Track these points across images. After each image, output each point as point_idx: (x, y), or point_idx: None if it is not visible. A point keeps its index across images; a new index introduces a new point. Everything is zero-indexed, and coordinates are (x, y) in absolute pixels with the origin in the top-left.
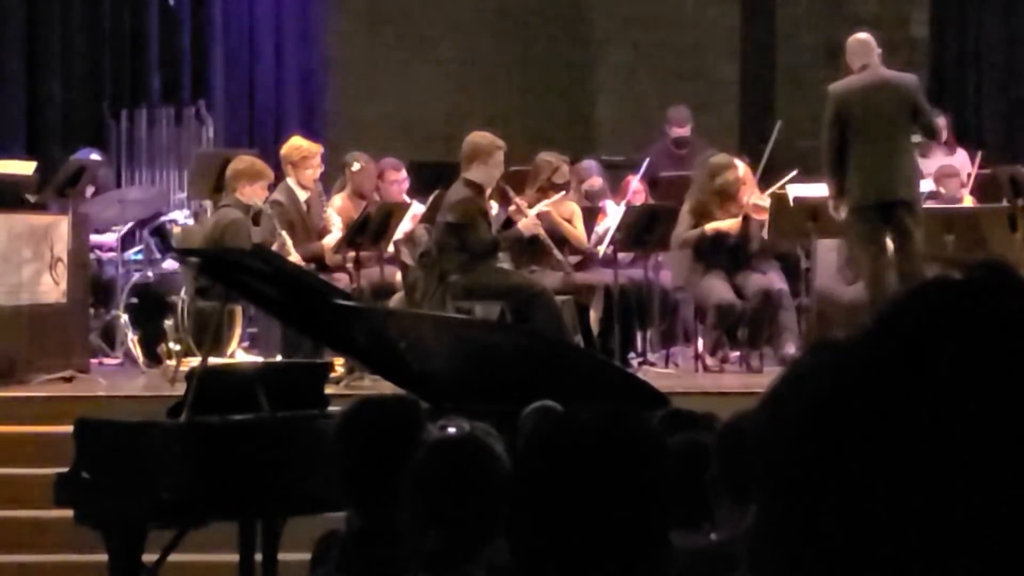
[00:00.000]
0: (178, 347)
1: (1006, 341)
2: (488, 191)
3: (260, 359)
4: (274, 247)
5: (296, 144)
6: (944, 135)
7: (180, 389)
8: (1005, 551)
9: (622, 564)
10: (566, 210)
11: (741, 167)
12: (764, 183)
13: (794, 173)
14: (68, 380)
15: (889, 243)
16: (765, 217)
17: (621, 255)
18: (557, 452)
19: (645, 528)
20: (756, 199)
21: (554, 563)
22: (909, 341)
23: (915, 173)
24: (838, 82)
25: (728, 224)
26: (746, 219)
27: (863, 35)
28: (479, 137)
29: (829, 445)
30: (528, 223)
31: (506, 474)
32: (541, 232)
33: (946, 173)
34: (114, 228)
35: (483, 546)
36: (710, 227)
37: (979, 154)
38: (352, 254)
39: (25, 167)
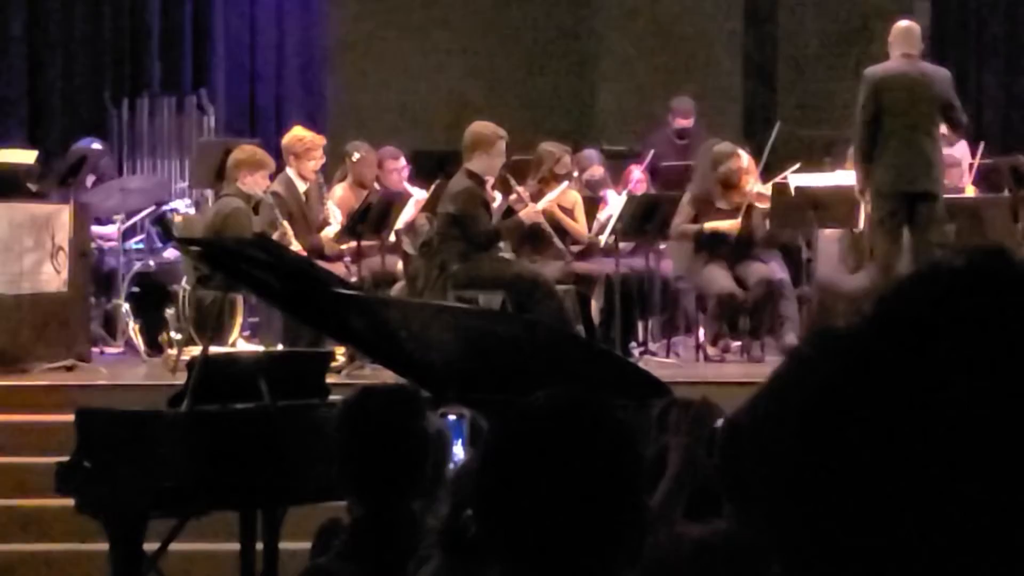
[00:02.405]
0: (179, 336)
1: (1005, 328)
2: (490, 181)
3: (261, 348)
4: (274, 237)
5: (299, 135)
6: (965, 129)
7: (181, 378)
8: (1007, 537)
9: (594, 547)
10: (568, 200)
11: (744, 157)
12: (766, 177)
13: (796, 167)
14: (69, 369)
15: (906, 232)
16: (767, 206)
17: (622, 245)
18: (515, 441)
19: (615, 510)
20: (758, 189)
21: (527, 552)
22: (908, 329)
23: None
24: (875, 66)
25: (727, 225)
26: (748, 208)
27: (908, 23)
28: (481, 127)
29: (830, 435)
30: (529, 211)
31: None
32: (542, 220)
33: (948, 164)
34: (115, 217)
35: None
36: (709, 226)
37: (981, 144)
38: (353, 244)
39: (26, 156)
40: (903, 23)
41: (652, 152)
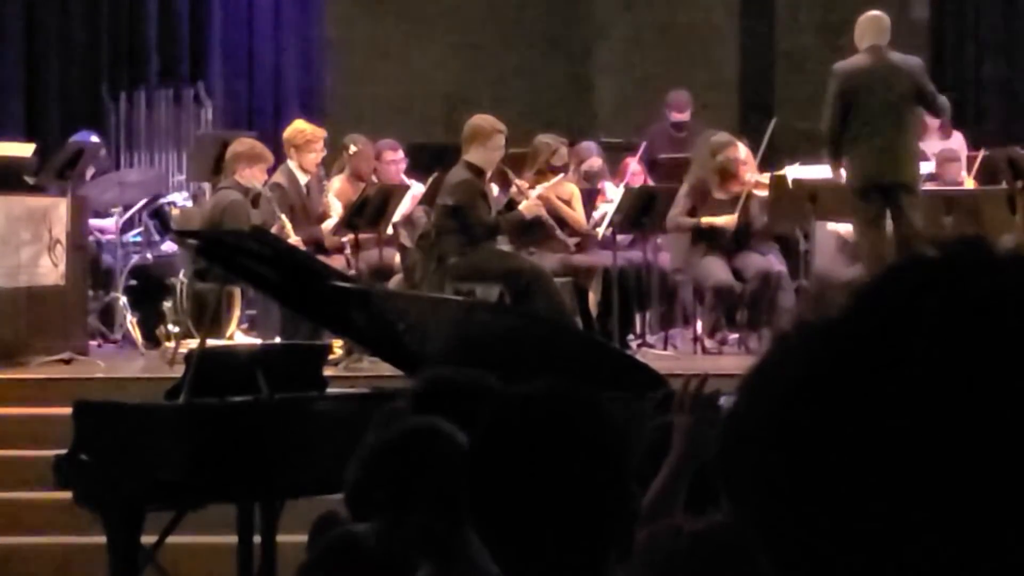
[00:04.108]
0: (177, 329)
1: (983, 318)
2: (488, 174)
3: (259, 341)
4: (273, 230)
5: (300, 128)
6: (948, 114)
7: (179, 371)
8: (988, 531)
9: (582, 540)
10: (565, 192)
11: (741, 148)
12: (764, 170)
13: (795, 166)
14: (67, 362)
15: (888, 224)
16: (766, 193)
17: (620, 237)
18: (496, 433)
19: (602, 502)
20: (756, 177)
21: (514, 544)
22: (885, 321)
23: (917, 155)
24: (843, 61)
25: (723, 220)
26: (747, 198)
27: (876, 13)
28: (480, 120)
29: (806, 428)
30: (531, 204)
31: None
32: (543, 213)
33: (947, 157)
34: (113, 210)
35: None
36: (705, 220)
37: (980, 151)
38: (351, 236)
39: (24, 149)
40: (871, 13)
41: (644, 143)
